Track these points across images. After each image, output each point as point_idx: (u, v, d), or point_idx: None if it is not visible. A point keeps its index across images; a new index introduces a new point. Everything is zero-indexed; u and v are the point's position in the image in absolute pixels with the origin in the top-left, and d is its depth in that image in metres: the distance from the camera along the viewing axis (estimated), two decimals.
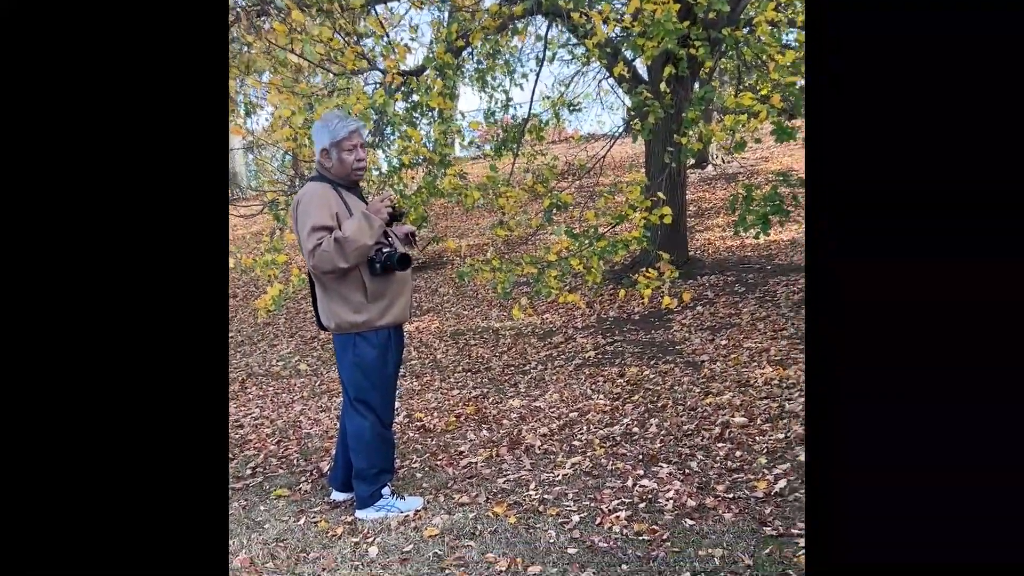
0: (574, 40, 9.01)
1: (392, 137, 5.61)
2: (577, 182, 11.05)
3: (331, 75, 4.75)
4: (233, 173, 17.34)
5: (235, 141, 17.02)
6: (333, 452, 3.52)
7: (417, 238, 3.20)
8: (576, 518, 2.81)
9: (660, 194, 5.21)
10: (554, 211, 5.07)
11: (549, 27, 7.07)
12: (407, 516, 2.98)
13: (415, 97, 5.18)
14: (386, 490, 3.06)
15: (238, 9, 5.11)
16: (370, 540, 2.82)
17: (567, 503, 2.96)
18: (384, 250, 2.89)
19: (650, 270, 4.57)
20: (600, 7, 5.13)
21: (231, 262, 4.67)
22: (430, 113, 6.00)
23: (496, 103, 7.60)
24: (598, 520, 2.77)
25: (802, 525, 2.55)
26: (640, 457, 3.33)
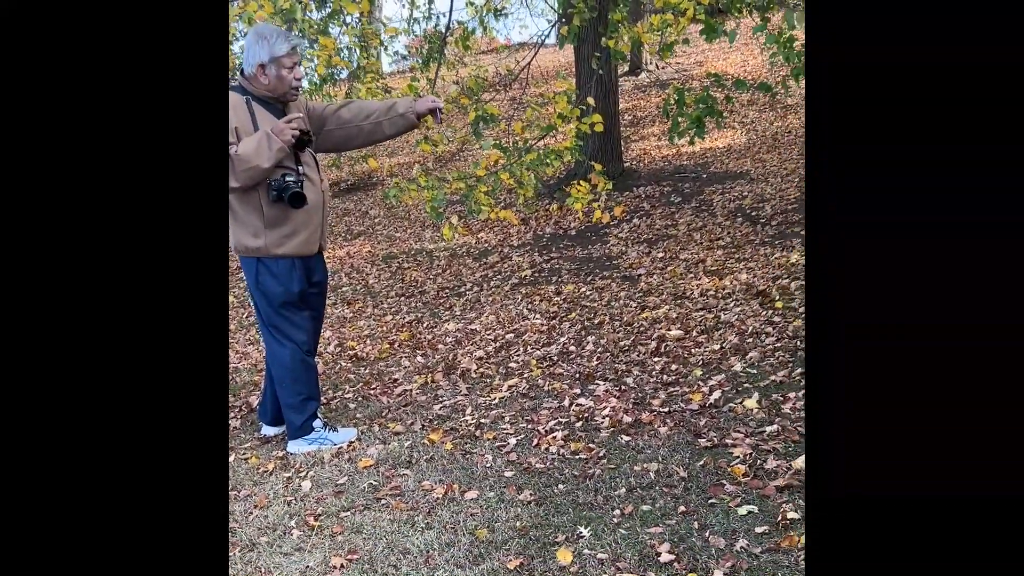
0: None
1: (307, 49, 5.26)
2: (508, 94, 10.76)
3: None
4: None
5: None
6: (262, 386, 3.40)
7: (441, 115, 2.96)
8: (513, 441, 2.77)
9: (590, 99, 5.05)
10: (482, 125, 4.87)
11: None
12: (340, 448, 2.90)
13: (329, 6, 4.84)
14: (318, 422, 2.96)
15: None
16: (303, 474, 2.74)
17: (504, 426, 2.91)
18: (287, 178, 2.69)
19: (582, 183, 4.45)
20: None
21: None
22: (347, 21, 5.64)
23: (418, 10, 7.20)
24: (535, 442, 2.74)
25: (736, 435, 2.56)
26: (577, 376, 3.30)
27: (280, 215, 2.72)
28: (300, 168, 2.75)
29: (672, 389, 3.03)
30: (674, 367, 3.22)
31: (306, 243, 2.81)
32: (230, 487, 2.69)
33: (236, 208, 2.72)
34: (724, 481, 2.29)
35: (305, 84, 5.98)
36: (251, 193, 2.68)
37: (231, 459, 2.93)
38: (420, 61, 7.05)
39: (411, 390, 3.42)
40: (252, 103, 2.68)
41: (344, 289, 5.51)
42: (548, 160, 4.72)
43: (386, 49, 8.47)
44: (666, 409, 2.86)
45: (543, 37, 8.37)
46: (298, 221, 2.76)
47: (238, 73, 2.77)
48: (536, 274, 5.07)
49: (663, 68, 11.89)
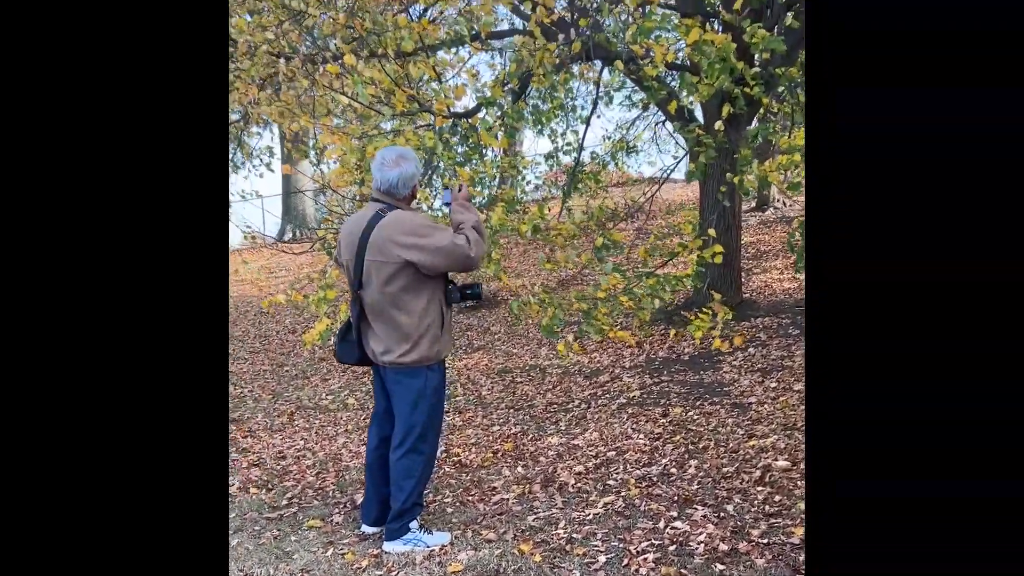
0: (631, 84, 9.05)
1: (438, 184, 5.68)
2: (634, 224, 11.00)
3: (383, 117, 4.87)
4: (303, 213, 17.89)
5: (307, 183, 17.63)
6: (366, 485, 3.52)
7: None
8: (602, 558, 2.73)
9: (712, 231, 5.14)
10: (604, 251, 5.03)
11: (601, 71, 7.11)
12: (433, 551, 2.94)
13: (470, 141, 5.27)
14: (414, 524, 3.04)
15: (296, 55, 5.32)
16: (394, 573, 2.79)
17: (595, 543, 2.88)
18: (458, 283, 3.02)
19: (703, 312, 4.47)
20: (657, 40, 5.10)
21: (282, 298, 4.77)
22: (488, 154, 6.07)
23: (560, 145, 7.68)
24: (625, 561, 2.68)
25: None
26: (675, 498, 3.23)
27: (449, 318, 2.98)
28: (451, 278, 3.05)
29: (774, 520, 2.90)
30: (777, 498, 3.09)
31: (452, 341, 3.08)
32: None
33: (418, 321, 2.86)
34: None
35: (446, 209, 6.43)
36: (434, 301, 2.89)
37: (328, 553, 3.03)
38: (560, 191, 7.44)
39: (508, 499, 3.44)
40: None
41: (458, 399, 5.66)
42: (668, 285, 4.80)
43: (523, 180, 8.95)
44: (766, 540, 2.74)
45: (668, 172, 8.64)
46: (449, 323, 3.00)
47: (384, 197, 2.94)
48: (644, 395, 5.03)
49: (790, 205, 11.83)
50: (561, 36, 4.96)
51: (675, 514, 3.06)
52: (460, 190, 3.03)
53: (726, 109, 5.14)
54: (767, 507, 3.03)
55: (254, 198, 10.81)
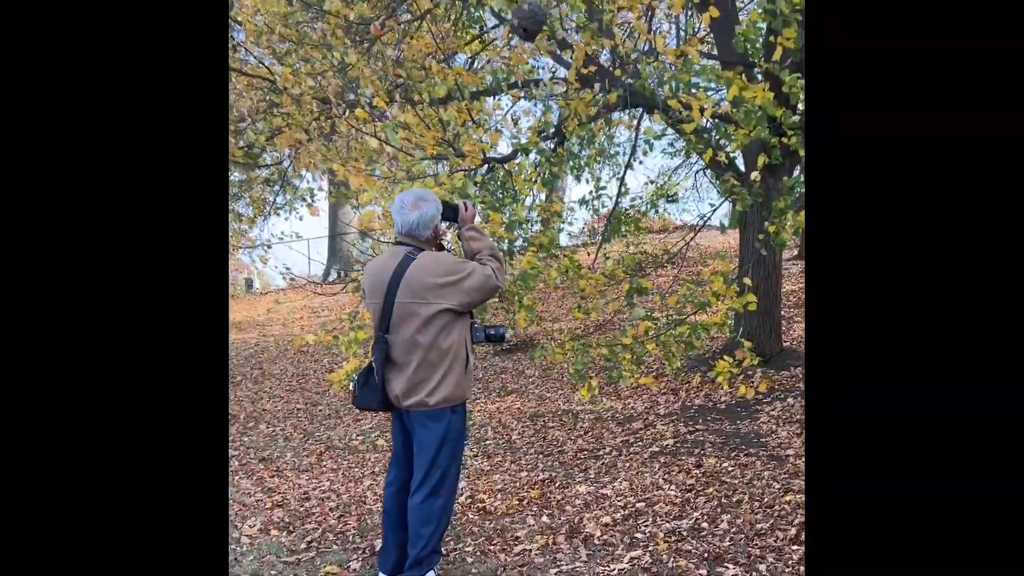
0: (672, 132, 9.01)
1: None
2: (673, 270, 10.88)
3: (415, 160, 4.90)
4: (347, 255, 18.15)
5: (349, 226, 17.91)
6: (383, 531, 3.44)
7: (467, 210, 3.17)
8: None
9: (747, 280, 5.03)
10: (636, 297, 4.95)
11: (640, 119, 7.09)
12: None
13: (507, 187, 5.29)
14: (432, 573, 2.95)
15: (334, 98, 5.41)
16: None
17: None
18: (480, 323, 3.01)
19: (726, 357, 4.36)
20: (696, 93, 5.05)
21: (311, 339, 4.77)
22: (526, 200, 6.06)
23: (596, 192, 7.66)
24: None
25: None
26: (705, 555, 3.08)
27: (471, 361, 2.94)
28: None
29: None
30: None
31: (472, 383, 3.02)
32: None
33: (446, 362, 2.83)
34: None
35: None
36: (460, 342, 2.86)
37: None
38: (599, 237, 7.40)
39: (531, 550, 3.33)
40: None
41: (488, 442, 5.57)
42: (696, 331, 4.70)
43: (564, 221, 8.90)
44: None
45: (705, 220, 8.55)
46: (471, 365, 2.96)
47: (407, 239, 2.92)
48: (678, 444, 4.89)
49: None
50: (597, 85, 4.95)
51: (705, 572, 2.92)
52: (467, 210, 3.03)
53: (762, 159, 5.07)
54: (802, 568, 2.87)
55: (293, 239, 11.01)
